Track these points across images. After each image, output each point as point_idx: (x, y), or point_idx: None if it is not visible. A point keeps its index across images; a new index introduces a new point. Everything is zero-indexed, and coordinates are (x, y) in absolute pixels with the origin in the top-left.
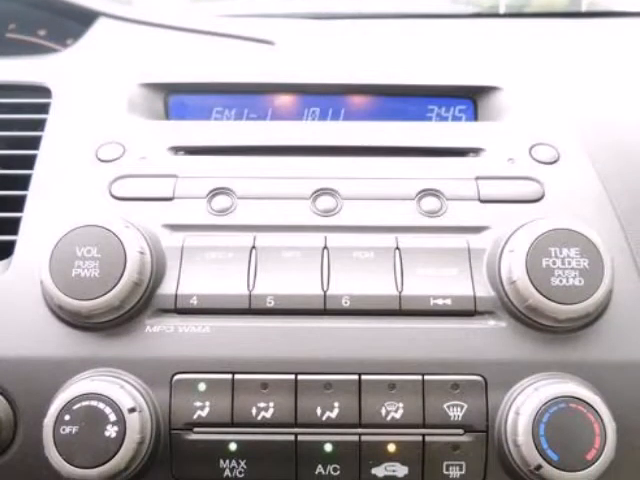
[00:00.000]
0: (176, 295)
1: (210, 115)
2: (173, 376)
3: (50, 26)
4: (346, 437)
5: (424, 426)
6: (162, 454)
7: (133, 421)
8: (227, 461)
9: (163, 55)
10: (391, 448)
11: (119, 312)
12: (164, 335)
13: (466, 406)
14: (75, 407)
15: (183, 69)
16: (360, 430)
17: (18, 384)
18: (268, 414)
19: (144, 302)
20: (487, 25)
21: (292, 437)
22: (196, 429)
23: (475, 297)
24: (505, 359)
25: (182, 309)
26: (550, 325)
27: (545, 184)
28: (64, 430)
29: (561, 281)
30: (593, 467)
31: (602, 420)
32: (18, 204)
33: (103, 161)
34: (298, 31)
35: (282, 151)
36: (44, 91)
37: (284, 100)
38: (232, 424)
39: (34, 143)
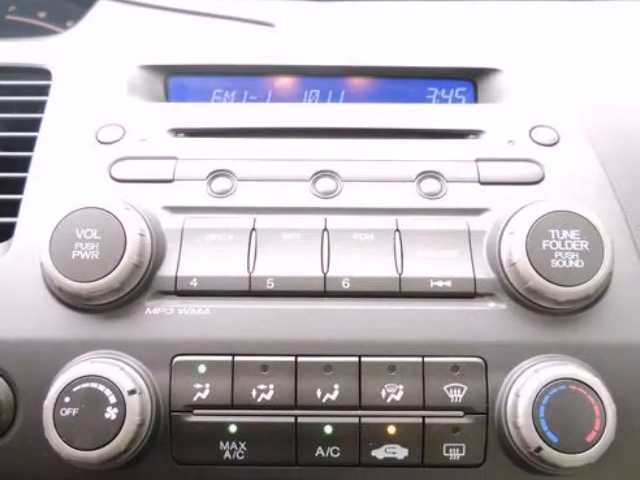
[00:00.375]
0: (176, 277)
1: (210, 97)
2: (173, 358)
3: (50, 8)
4: (346, 419)
5: (424, 408)
6: (162, 436)
7: (133, 403)
8: (227, 443)
9: (163, 37)
10: (391, 430)
11: (119, 294)
12: (164, 317)
13: (466, 388)
14: (75, 389)
15: (183, 51)
16: (360, 412)
17: (18, 366)
18: (268, 396)
19: (144, 284)
20: (487, 7)
21: (292, 419)
22: (196, 411)
23: (475, 279)
24: (505, 341)
25: (182, 291)
26: (550, 307)
27: (545, 166)
28: (64, 412)
29: (561, 263)
30: (593, 449)
31: (602, 402)
32: (18, 186)
33: (103, 143)
34: (298, 13)
35: (282, 133)
36: (44, 73)
37: (284, 82)
38: (232, 406)
39: (34, 125)
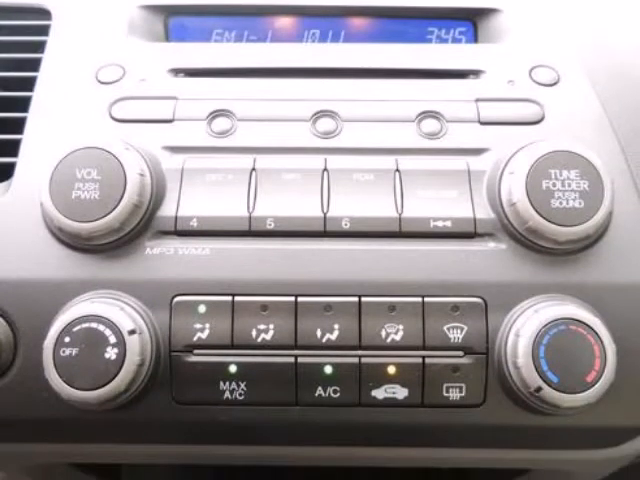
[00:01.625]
0: (176, 217)
1: (210, 37)
2: (173, 298)
3: None
4: (346, 359)
5: (424, 348)
6: (162, 376)
7: (133, 343)
8: (227, 383)
9: None
10: (391, 370)
11: (119, 234)
12: (164, 257)
13: (466, 328)
14: (75, 329)
15: None
16: (360, 352)
17: (18, 306)
18: (268, 336)
19: (144, 224)
20: None
21: (292, 359)
22: (196, 351)
23: (475, 219)
24: (505, 281)
25: (182, 231)
26: (550, 247)
27: (545, 106)
28: (64, 352)
29: (561, 203)
30: (593, 389)
31: (602, 342)
32: (18, 126)
33: (103, 83)
34: None
35: (282, 73)
36: (44, 13)
37: (284, 22)
38: (232, 346)
39: (34, 65)
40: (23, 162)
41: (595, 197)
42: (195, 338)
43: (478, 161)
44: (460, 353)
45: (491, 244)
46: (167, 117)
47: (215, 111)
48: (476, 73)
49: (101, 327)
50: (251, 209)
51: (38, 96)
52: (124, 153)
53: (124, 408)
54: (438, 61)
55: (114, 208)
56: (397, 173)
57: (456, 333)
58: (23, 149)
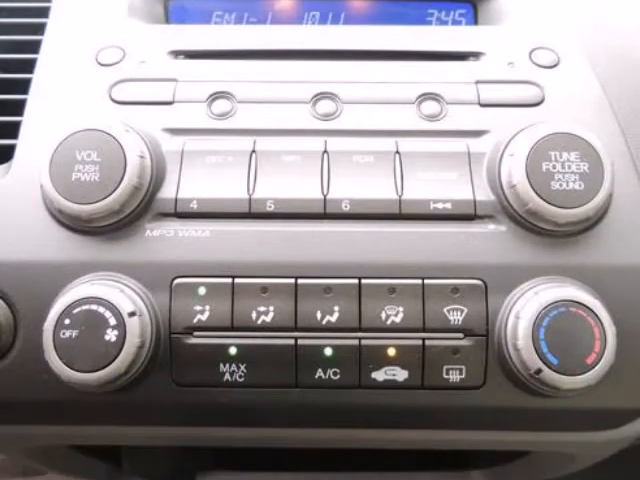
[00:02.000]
0: (176, 199)
1: (210, 19)
2: (173, 280)
3: None
4: (346, 341)
5: (424, 330)
6: (162, 358)
7: (133, 325)
8: (227, 365)
9: None
10: (391, 352)
11: (119, 216)
12: (164, 239)
13: (466, 310)
14: (75, 311)
15: None
16: (360, 334)
17: (18, 288)
18: (268, 318)
19: (144, 206)
20: None
21: (292, 341)
22: (196, 333)
23: (475, 201)
24: (505, 263)
25: (182, 213)
26: (550, 229)
27: (545, 88)
28: (64, 334)
29: (561, 185)
30: (593, 371)
31: (602, 324)
32: (18, 108)
33: (103, 65)
34: None
35: (282, 55)
36: None
37: (284, 4)
38: (232, 328)
39: (34, 47)
40: (23, 144)
41: (595, 179)
42: (195, 320)
43: (478, 143)
44: (460, 335)
45: (491, 226)
46: (167, 99)
47: (215, 93)
48: (476, 55)
49: (101, 309)
50: (251, 191)
51: (38, 78)
52: (124, 135)
53: (124, 390)
54: (438, 43)
55: (114, 190)
56: (397, 155)
57: (456, 315)
58: (23, 131)
